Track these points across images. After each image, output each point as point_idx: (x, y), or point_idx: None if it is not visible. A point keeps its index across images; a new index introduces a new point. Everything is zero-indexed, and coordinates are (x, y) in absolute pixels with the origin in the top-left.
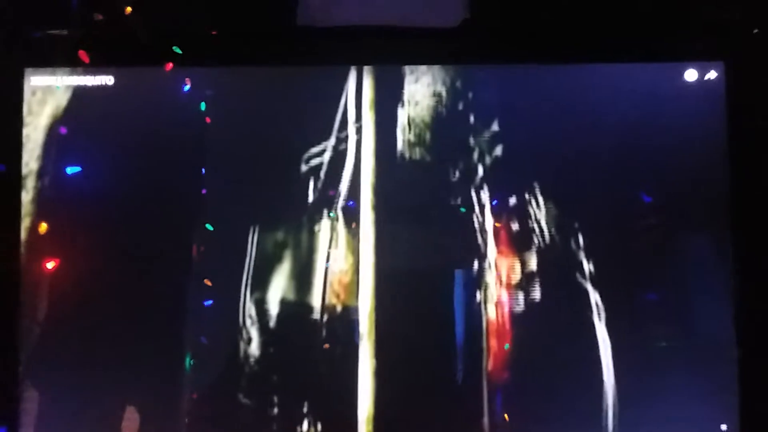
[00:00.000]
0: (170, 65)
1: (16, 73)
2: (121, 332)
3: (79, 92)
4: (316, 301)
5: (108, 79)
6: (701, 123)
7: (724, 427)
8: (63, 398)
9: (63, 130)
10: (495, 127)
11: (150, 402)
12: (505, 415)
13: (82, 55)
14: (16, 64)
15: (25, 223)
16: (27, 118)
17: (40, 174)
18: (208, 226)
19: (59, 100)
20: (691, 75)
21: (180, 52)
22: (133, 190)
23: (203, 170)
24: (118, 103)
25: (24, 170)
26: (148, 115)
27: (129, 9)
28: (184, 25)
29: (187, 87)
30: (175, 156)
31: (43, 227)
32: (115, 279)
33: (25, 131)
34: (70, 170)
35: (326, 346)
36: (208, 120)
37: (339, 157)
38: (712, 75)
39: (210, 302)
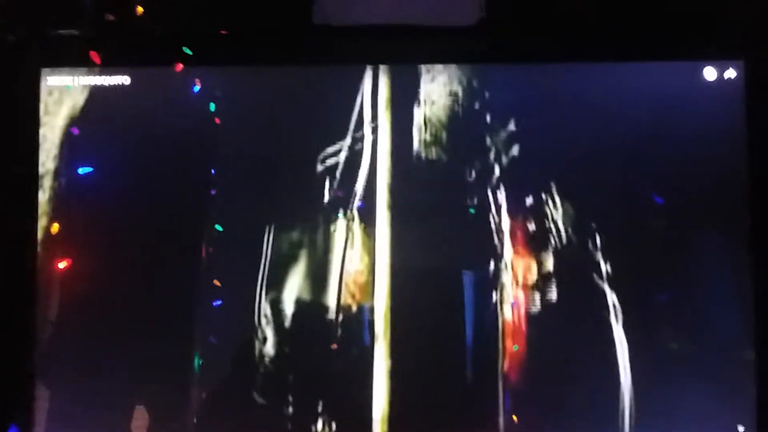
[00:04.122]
0: (180, 66)
1: (32, 73)
2: (131, 332)
3: (94, 92)
4: (331, 300)
5: (124, 80)
6: (720, 123)
7: (741, 428)
8: (73, 397)
9: (76, 131)
10: (511, 126)
11: (159, 402)
12: (515, 417)
13: (94, 56)
14: (33, 64)
15: (42, 222)
16: (44, 118)
17: (57, 174)
18: (218, 227)
19: (75, 100)
20: (709, 74)
21: (190, 53)
22: (142, 192)
23: (212, 171)
24: (132, 103)
25: (41, 170)
26: (159, 117)
27: (140, 9)
28: (195, 24)
29: (197, 88)
30: (185, 157)
31: (56, 227)
32: (125, 279)
33: (42, 131)
34: (82, 171)
35: (339, 346)
36: (217, 121)
37: (355, 157)
38: (731, 74)
39: (219, 302)
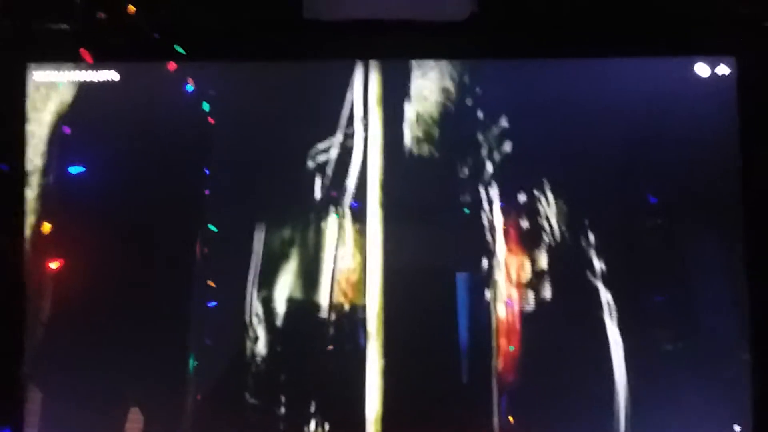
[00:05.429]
0: (173, 65)
1: (19, 68)
2: (125, 333)
3: (83, 88)
4: (323, 299)
5: (113, 75)
6: (713, 119)
7: (737, 428)
8: (66, 399)
9: (66, 130)
10: (504, 123)
11: (153, 403)
12: (510, 418)
13: (84, 53)
14: (20, 59)
15: (30, 221)
16: (30, 114)
17: (44, 172)
18: (211, 227)
19: (63, 96)
20: (701, 70)
21: (183, 52)
22: (135, 193)
23: (206, 171)
24: (122, 100)
25: (28, 167)
26: (151, 115)
27: (132, 8)
28: (185, 20)
29: (191, 87)
30: (178, 157)
31: (47, 227)
32: (118, 280)
33: (29, 127)
34: (72, 170)
35: (332, 346)
36: (211, 120)
37: (346, 153)
38: (723, 70)
39: (214, 303)
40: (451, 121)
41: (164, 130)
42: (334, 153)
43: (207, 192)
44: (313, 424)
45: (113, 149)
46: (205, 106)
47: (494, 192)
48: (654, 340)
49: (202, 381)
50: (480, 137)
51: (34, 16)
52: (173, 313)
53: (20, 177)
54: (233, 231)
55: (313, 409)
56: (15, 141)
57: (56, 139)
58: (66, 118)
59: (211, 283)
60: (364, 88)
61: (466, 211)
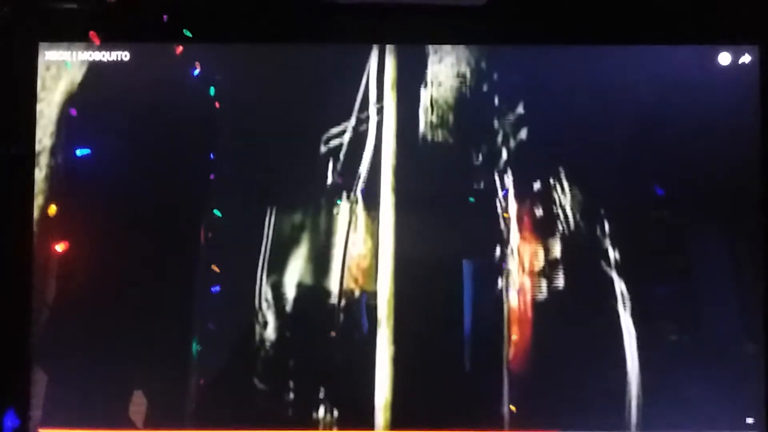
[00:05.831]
0: (180, 48)
1: (30, 48)
2: (129, 317)
3: (93, 69)
4: (334, 285)
5: (122, 56)
6: (735, 108)
7: (750, 420)
8: (71, 381)
9: (73, 111)
10: (520, 109)
11: (157, 387)
12: (520, 407)
13: (93, 35)
14: (30, 38)
15: (38, 202)
16: (41, 94)
17: (53, 152)
18: (216, 212)
19: (74, 76)
20: (724, 58)
21: (190, 35)
22: (141, 177)
23: (212, 155)
24: (131, 81)
25: (37, 147)
26: (159, 99)
27: None
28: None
29: (197, 71)
30: (184, 141)
31: (53, 208)
32: (123, 263)
33: (39, 107)
34: (79, 152)
35: (341, 332)
36: (217, 105)
37: (359, 138)
38: (746, 59)
39: (218, 288)
40: (467, 107)
41: (171, 115)
42: (347, 138)
43: (212, 176)
44: (321, 411)
45: (119, 132)
46: (212, 91)
47: (509, 179)
48: (667, 331)
49: (206, 366)
50: (496, 124)
51: None
52: (177, 297)
53: (29, 158)
54: (240, 216)
55: (321, 395)
56: (25, 121)
57: (65, 120)
58: (75, 98)
59: (216, 268)
60: (379, 73)
61: (471, 200)
